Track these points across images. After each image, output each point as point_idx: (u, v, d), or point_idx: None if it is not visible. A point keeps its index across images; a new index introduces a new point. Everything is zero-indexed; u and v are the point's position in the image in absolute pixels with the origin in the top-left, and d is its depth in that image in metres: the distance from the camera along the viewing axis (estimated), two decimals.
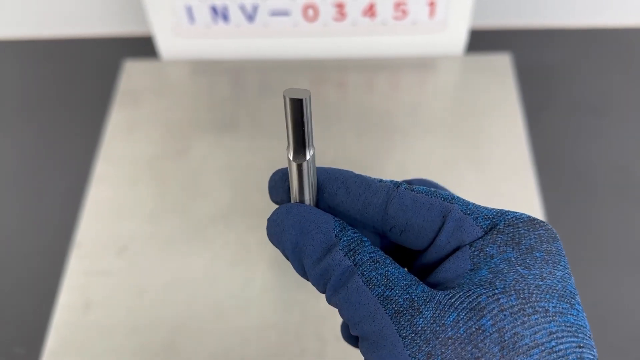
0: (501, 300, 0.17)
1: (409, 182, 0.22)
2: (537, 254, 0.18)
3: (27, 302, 0.46)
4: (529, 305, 0.17)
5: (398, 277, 0.18)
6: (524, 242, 0.19)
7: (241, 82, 0.57)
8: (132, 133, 0.53)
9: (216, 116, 0.54)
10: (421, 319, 0.17)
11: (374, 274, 0.18)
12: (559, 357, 0.16)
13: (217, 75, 0.58)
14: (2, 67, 0.62)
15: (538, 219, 0.19)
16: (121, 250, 0.46)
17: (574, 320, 0.17)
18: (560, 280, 0.18)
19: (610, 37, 0.62)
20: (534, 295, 0.17)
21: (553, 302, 0.17)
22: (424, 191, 0.20)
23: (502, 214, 0.19)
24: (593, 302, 0.45)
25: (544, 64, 0.60)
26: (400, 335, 0.17)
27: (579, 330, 0.17)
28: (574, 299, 0.18)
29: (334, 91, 0.56)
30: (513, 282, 0.17)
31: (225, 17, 0.55)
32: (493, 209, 0.20)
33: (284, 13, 0.54)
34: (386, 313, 0.18)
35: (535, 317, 0.17)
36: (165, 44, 0.57)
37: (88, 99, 0.58)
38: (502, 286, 0.17)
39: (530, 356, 0.16)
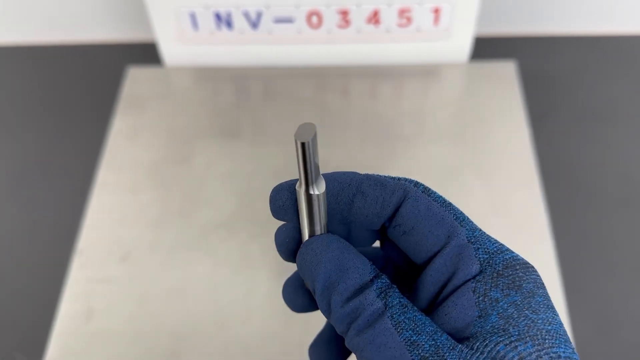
0: (519, 348, 0.17)
1: (428, 190, 0.21)
2: (539, 298, 0.19)
3: (29, 310, 0.46)
4: (544, 351, 0.17)
5: (425, 323, 0.18)
6: (524, 285, 0.19)
7: (245, 89, 0.57)
8: (135, 139, 0.53)
9: (219, 123, 0.54)
10: None
11: (403, 317, 0.18)
12: None
13: (221, 82, 0.57)
14: (6, 72, 0.62)
15: (528, 262, 0.20)
16: (123, 258, 0.46)
17: None
18: (560, 324, 0.19)
19: (615, 44, 0.62)
20: (546, 341, 0.18)
21: (562, 347, 0.18)
22: (440, 200, 0.20)
23: (501, 252, 0.20)
24: (598, 310, 0.44)
25: (549, 71, 0.60)
26: None
27: None
28: (571, 343, 0.18)
29: (337, 98, 0.56)
30: (526, 328, 0.18)
31: (229, 24, 0.55)
32: (494, 242, 0.20)
33: (288, 20, 0.54)
34: (412, 358, 0.18)
35: None
36: (169, 51, 0.57)
37: (91, 105, 0.58)
38: (516, 333, 0.18)
39: None
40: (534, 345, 0.17)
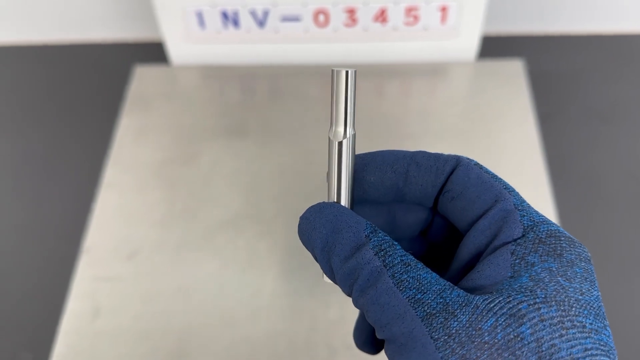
0: (542, 310, 0.17)
1: (479, 165, 0.22)
2: (578, 269, 0.18)
3: (35, 308, 0.46)
4: (567, 318, 0.17)
5: (431, 281, 0.18)
6: (565, 255, 0.18)
7: (251, 87, 0.57)
8: (141, 138, 0.53)
9: (226, 122, 0.54)
10: (456, 322, 0.17)
11: (405, 276, 0.18)
12: None
13: (227, 81, 0.57)
14: (13, 71, 0.62)
15: (575, 239, 0.19)
16: (130, 257, 0.45)
17: (607, 340, 0.17)
18: (596, 299, 0.18)
19: (624, 43, 0.62)
20: (573, 309, 0.17)
21: (590, 319, 0.17)
22: (491, 173, 0.21)
23: (547, 223, 0.19)
24: (608, 310, 0.44)
25: (556, 71, 0.60)
26: (432, 337, 0.17)
27: (610, 352, 0.17)
28: (606, 321, 0.18)
29: None
30: (554, 293, 0.17)
31: (235, 23, 0.55)
32: (542, 215, 0.20)
33: (295, 19, 0.54)
34: (417, 315, 0.17)
35: (573, 331, 0.17)
36: (176, 50, 0.57)
37: (98, 105, 0.58)
38: (543, 295, 0.17)
39: None
40: (559, 310, 0.17)
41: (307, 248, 0.21)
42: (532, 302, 0.17)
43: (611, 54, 0.61)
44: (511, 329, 0.17)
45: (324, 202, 0.21)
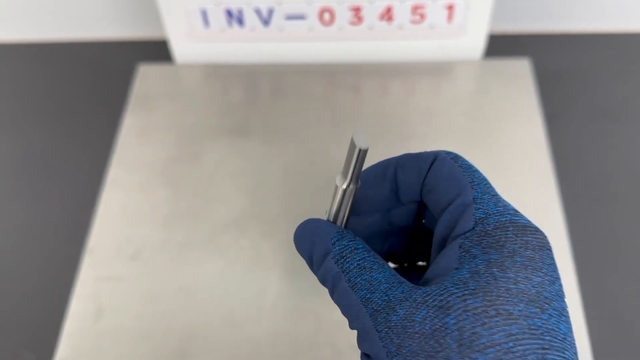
0: (468, 301, 0.18)
1: (457, 157, 0.23)
2: (519, 258, 0.19)
3: (39, 309, 0.46)
4: (493, 307, 0.18)
5: (380, 281, 0.20)
6: (508, 245, 0.19)
7: (255, 86, 0.56)
8: (145, 137, 0.53)
9: (230, 121, 0.54)
10: (395, 316, 0.19)
11: (359, 279, 0.21)
12: (516, 357, 0.17)
13: (232, 80, 0.57)
14: (16, 69, 0.62)
15: (533, 226, 0.20)
16: (133, 256, 0.45)
17: (542, 323, 0.18)
18: (536, 285, 0.19)
19: (631, 42, 0.61)
20: (500, 299, 0.18)
21: (520, 306, 0.18)
22: (465, 166, 0.22)
23: (500, 214, 0.20)
24: (614, 309, 0.44)
25: (562, 69, 0.59)
26: (377, 330, 0.19)
27: (546, 334, 0.18)
28: (549, 305, 0.19)
29: (348, 96, 0.55)
30: (484, 284, 0.19)
31: (240, 21, 0.54)
32: (502, 206, 0.21)
33: (300, 17, 0.54)
34: (367, 312, 0.20)
35: (497, 319, 0.18)
36: (180, 48, 0.57)
37: (101, 103, 0.58)
38: (473, 287, 0.19)
39: (486, 354, 0.17)
40: (484, 300, 0.18)
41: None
42: (460, 294, 0.19)
43: (618, 52, 0.61)
44: (438, 320, 0.18)
45: (308, 218, 0.23)
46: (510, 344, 0.17)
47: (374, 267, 0.21)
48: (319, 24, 0.54)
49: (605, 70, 0.59)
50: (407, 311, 0.19)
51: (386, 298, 0.20)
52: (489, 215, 0.20)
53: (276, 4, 0.53)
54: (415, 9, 0.53)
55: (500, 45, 0.59)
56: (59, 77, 0.61)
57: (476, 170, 0.22)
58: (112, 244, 0.46)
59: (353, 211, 0.23)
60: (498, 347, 0.17)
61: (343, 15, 0.53)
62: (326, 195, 0.47)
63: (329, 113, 0.54)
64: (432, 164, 0.22)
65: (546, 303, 0.19)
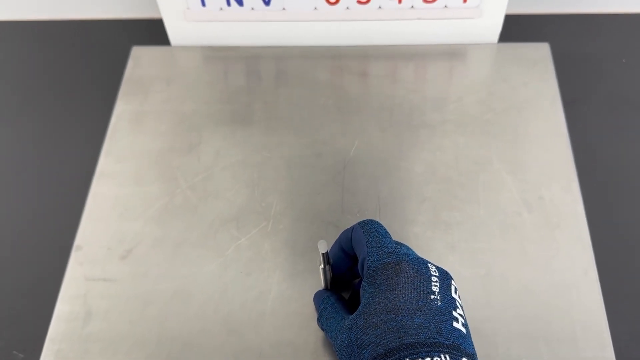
0: (358, 322, 0.31)
1: (364, 222, 0.35)
2: (382, 287, 0.31)
3: (26, 309, 0.43)
4: (367, 322, 0.30)
5: (334, 325, 0.34)
6: (377, 280, 0.32)
7: (256, 70, 0.53)
8: (138, 125, 0.49)
9: (229, 108, 0.50)
10: (338, 341, 0.33)
11: (327, 325, 0.35)
12: (381, 345, 0.29)
13: (231, 63, 0.53)
14: (8, 48, 0.59)
15: (394, 261, 0.32)
16: (124, 255, 0.42)
17: (396, 323, 0.29)
18: (392, 300, 0.30)
19: None
20: (371, 317, 0.30)
21: (381, 317, 0.30)
22: (367, 230, 0.34)
23: (377, 260, 0.32)
24: (637, 311, 0.41)
25: (582, 54, 0.55)
26: (337, 349, 0.33)
27: (401, 328, 0.29)
28: (402, 308, 0.30)
29: (355, 81, 0.51)
30: (364, 309, 0.31)
31: (239, 0, 0.50)
32: (380, 254, 0.33)
33: None
34: (334, 342, 0.34)
35: (369, 328, 0.30)
36: (175, 29, 0.53)
37: (95, 87, 0.54)
38: (360, 312, 0.31)
39: (367, 349, 0.29)
40: (363, 319, 0.31)
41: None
42: (356, 319, 0.31)
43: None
44: (346, 336, 0.32)
45: (318, 290, 0.39)
46: (378, 341, 0.29)
47: (336, 316, 0.35)
48: (324, 3, 0.50)
49: (626, 54, 0.55)
50: (341, 335, 0.32)
51: (337, 332, 0.33)
52: (373, 262, 0.32)
53: None
54: None
55: (516, 28, 0.56)
56: (52, 58, 0.57)
57: (374, 230, 0.34)
58: (101, 241, 0.43)
59: (334, 270, 0.37)
60: (372, 345, 0.29)
61: None
62: (331, 191, 0.44)
63: (335, 100, 0.50)
64: (352, 230, 0.35)
65: (400, 308, 0.30)
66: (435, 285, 0.31)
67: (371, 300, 0.31)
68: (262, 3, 0.50)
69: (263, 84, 0.52)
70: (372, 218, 0.37)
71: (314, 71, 0.52)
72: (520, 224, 0.43)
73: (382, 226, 0.34)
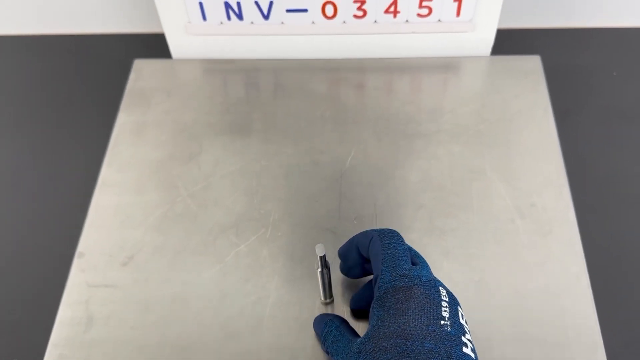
0: (367, 346, 0.31)
1: (383, 234, 0.35)
2: (392, 311, 0.31)
3: (28, 315, 0.43)
4: (377, 347, 0.30)
5: (343, 349, 0.34)
6: (387, 304, 0.32)
7: (255, 82, 0.54)
8: (139, 136, 0.50)
9: (228, 119, 0.51)
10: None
11: (333, 349, 0.35)
12: None
13: (230, 75, 0.55)
14: (12, 62, 0.60)
15: (406, 285, 0.32)
16: (126, 262, 0.43)
17: (406, 347, 0.29)
18: (402, 325, 0.30)
19: None
20: (380, 341, 0.30)
21: (391, 341, 0.30)
22: (385, 246, 0.34)
23: (389, 282, 0.33)
24: (626, 313, 0.41)
25: (573, 67, 0.57)
26: None
27: (411, 353, 0.29)
28: (411, 333, 0.30)
29: (352, 93, 0.53)
30: (374, 333, 0.31)
31: (238, 14, 0.52)
32: (393, 275, 0.33)
33: (301, 9, 0.51)
34: None
35: (379, 352, 0.30)
36: (176, 42, 0.54)
37: (98, 99, 0.55)
38: (369, 336, 0.31)
39: None
40: (372, 343, 0.31)
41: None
42: (365, 341, 0.31)
43: (631, 49, 0.58)
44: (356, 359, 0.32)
45: (319, 314, 0.39)
46: None
47: (343, 340, 0.35)
48: (321, 17, 0.52)
49: (616, 68, 0.57)
50: (349, 359, 0.32)
51: (343, 356, 0.33)
52: (384, 283, 0.33)
53: None
54: (422, 2, 0.50)
55: (508, 42, 0.57)
56: (56, 71, 0.59)
57: (392, 247, 0.34)
58: (103, 248, 0.44)
59: (346, 265, 0.39)
60: None
61: (347, 8, 0.51)
62: (328, 198, 0.45)
63: (332, 111, 0.51)
64: (371, 240, 0.35)
65: (410, 333, 0.30)
66: (445, 311, 0.31)
67: (380, 324, 0.31)
68: (261, 17, 0.52)
69: (262, 95, 0.53)
70: (390, 228, 0.36)
71: (312, 83, 0.53)
72: (513, 230, 0.43)
73: (401, 240, 0.35)
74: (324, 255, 0.36)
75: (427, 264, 0.35)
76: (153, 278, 0.42)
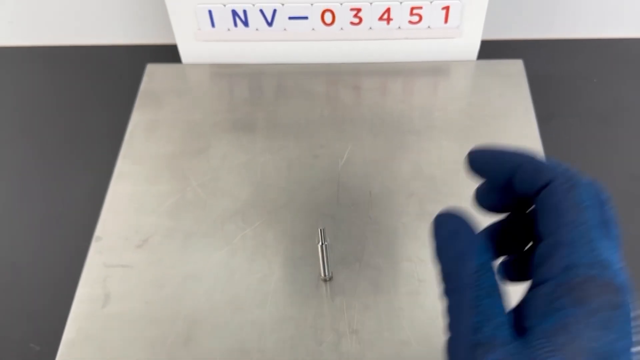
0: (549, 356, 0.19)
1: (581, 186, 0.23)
2: (596, 318, 0.19)
3: (47, 299, 0.46)
4: None
5: (498, 313, 0.21)
6: (589, 303, 0.20)
7: (259, 84, 0.58)
8: (152, 133, 0.54)
9: (235, 117, 0.55)
10: (491, 356, 0.19)
11: (485, 301, 0.21)
12: None
13: (236, 78, 0.59)
14: (32, 71, 0.64)
15: (617, 284, 0.20)
16: (140, 244, 0.46)
17: None
18: (607, 344, 0.19)
19: (622, 47, 0.63)
20: (576, 357, 0.19)
21: None
22: (578, 200, 0.22)
23: (590, 267, 0.20)
24: None
25: (554, 75, 0.61)
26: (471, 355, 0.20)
27: None
28: (616, 358, 0.19)
29: (349, 94, 0.57)
30: (564, 341, 0.19)
31: (245, 21, 0.56)
32: (594, 256, 0.21)
33: (303, 17, 0.56)
34: (470, 340, 0.20)
35: None
36: (186, 48, 0.59)
37: (112, 103, 0.59)
38: (553, 345, 0.19)
39: None
40: (563, 358, 0.19)
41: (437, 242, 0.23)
42: (547, 350, 0.19)
43: (609, 58, 0.62)
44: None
45: (449, 212, 0.24)
46: None
47: (497, 294, 0.21)
48: (321, 24, 0.56)
49: (595, 75, 0.61)
50: (501, 357, 0.19)
51: (492, 335, 0.20)
52: (576, 265, 0.20)
53: (280, 5, 0.55)
54: (413, 10, 0.55)
55: (493, 52, 0.61)
56: (72, 79, 0.63)
57: (588, 207, 0.22)
58: (119, 232, 0.47)
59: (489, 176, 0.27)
60: None
61: (344, 16, 0.55)
62: (327, 188, 0.48)
63: (330, 110, 0.55)
64: (546, 184, 0.23)
65: (613, 357, 0.19)
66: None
67: (575, 333, 0.20)
68: (265, 24, 0.56)
69: (265, 96, 0.57)
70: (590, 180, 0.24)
71: (312, 85, 0.58)
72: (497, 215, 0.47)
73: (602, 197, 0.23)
74: (324, 228, 0.39)
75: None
76: (166, 259, 0.46)
